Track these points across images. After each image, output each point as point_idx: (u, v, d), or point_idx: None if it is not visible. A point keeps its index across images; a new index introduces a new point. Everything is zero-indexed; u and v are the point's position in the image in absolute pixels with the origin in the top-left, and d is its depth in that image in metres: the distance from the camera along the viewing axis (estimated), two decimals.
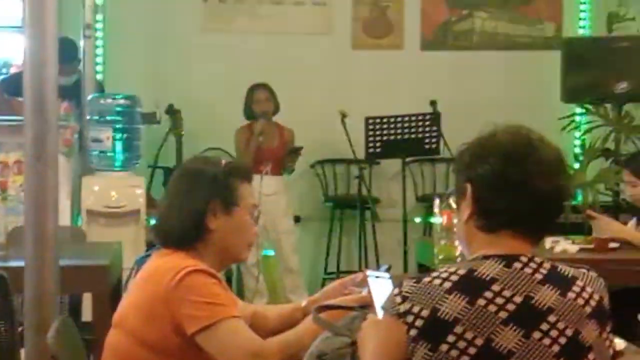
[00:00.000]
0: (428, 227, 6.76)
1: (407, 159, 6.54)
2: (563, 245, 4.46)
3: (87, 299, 4.48)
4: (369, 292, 2.10)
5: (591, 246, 4.54)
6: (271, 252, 6.50)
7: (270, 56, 7.11)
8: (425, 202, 7.00)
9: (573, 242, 4.53)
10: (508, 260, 1.79)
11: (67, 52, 5.88)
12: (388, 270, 2.46)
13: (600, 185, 6.25)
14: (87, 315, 4.44)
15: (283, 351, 2.30)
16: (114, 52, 6.98)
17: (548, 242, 4.30)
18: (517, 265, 1.79)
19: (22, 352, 3.41)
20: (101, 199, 5.92)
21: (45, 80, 3.14)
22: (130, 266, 3.61)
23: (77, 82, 6.36)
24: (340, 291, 2.56)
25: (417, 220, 6.93)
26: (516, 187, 1.81)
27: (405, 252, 6.17)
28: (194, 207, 2.43)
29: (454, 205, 1.96)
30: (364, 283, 2.47)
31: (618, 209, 5.97)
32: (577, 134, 7.00)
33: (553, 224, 1.87)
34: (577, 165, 6.19)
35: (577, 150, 6.80)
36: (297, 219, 6.84)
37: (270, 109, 6.58)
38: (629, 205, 5.52)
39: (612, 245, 4.54)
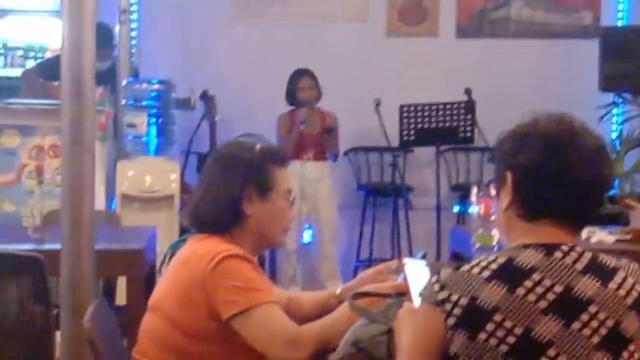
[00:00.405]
0: (462, 216, 6.74)
1: (441, 148, 6.51)
2: (599, 235, 4.41)
3: (120, 283, 4.50)
4: (405, 280, 2.08)
5: (628, 237, 4.49)
6: (308, 239, 6.52)
7: (304, 43, 7.09)
8: (459, 191, 6.98)
9: (610, 233, 4.49)
10: (548, 249, 1.77)
11: (103, 37, 5.88)
12: (424, 257, 2.44)
13: (637, 176, 6.19)
14: (120, 298, 4.46)
15: (319, 338, 2.29)
16: (149, 37, 6.99)
17: (584, 232, 4.25)
18: (558, 254, 1.77)
19: (58, 334, 3.43)
20: (135, 184, 5.95)
21: (83, 65, 3.14)
22: (164, 251, 3.62)
23: (112, 68, 6.38)
24: (376, 278, 2.56)
25: (455, 209, 6.90)
26: (557, 175, 1.78)
27: (438, 240, 6.14)
28: (230, 192, 2.43)
29: (492, 194, 1.93)
30: (399, 270, 2.46)
31: None
32: (614, 124, 6.92)
33: (594, 213, 1.84)
34: (613, 156, 6.13)
35: (614, 140, 6.73)
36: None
37: (314, 97, 6.56)
38: None
39: None
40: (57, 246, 3.32)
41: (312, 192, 6.49)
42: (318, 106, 6.65)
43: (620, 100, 6.73)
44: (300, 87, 6.57)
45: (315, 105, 6.60)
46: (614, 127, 6.96)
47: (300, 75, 6.59)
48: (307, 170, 6.43)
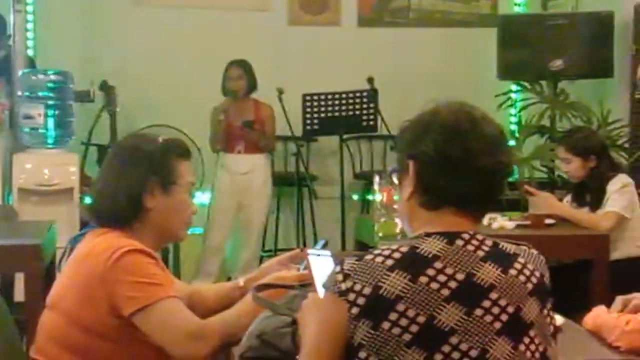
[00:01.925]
0: (366, 205, 6.78)
1: (345, 136, 6.53)
2: (500, 221, 4.50)
3: (19, 279, 4.39)
4: (309, 270, 2.07)
5: (527, 222, 4.58)
6: (199, 230, 6.46)
7: (206, 32, 7.02)
8: (363, 179, 7.02)
9: (510, 219, 4.57)
10: (450, 237, 1.78)
11: None
12: (326, 244, 2.44)
13: (535, 162, 6.32)
14: (19, 295, 4.35)
15: (222, 331, 2.26)
16: (46, 27, 6.82)
17: (485, 218, 4.32)
18: (460, 242, 1.78)
19: None
20: (33, 177, 5.80)
21: None
22: (63, 245, 3.54)
23: (7, 58, 6.20)
24: (278, 268, 2.54)
25: (355, 197, 6.94)
26: (458, 163, 1.79)
27: (343, 230, 6.16)
28: (131, 185, 2.38)
29: (395, 182, 1.93)
30: (301, 260, 2.45)
31: (553, 186, 6.05)
32: (513, 111, 7.05)
33: (495, 200, 1.86)
34: (512, 142, 6.25)
35: (513, 127, 6.86)
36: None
37: (242, 87, 6.44)
38: (564, 182, 5.60)
39: (548, 221, 4.59)
40: None
41: (244, 184, 6.43)
42: (255, 97, 6.53)
43: (518, 87, 6.86)
44: (228, 76, 6.46)
45: (244, 95, 6.46)
46: (512, 114, 7.09)
47: (230, 65, 6.47)
48: (237, 162, 6.38)
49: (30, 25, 6.68)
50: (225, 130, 6.40)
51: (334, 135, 6.49)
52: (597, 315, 2.57)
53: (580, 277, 4.35)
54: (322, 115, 6.36)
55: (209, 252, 6.52)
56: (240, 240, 6.64)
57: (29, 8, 6.67)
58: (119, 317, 2.26)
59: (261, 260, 6.67)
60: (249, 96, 6.50)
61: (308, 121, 6.35)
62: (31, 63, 6.49)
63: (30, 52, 6.63)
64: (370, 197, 6.55)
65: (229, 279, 6.44)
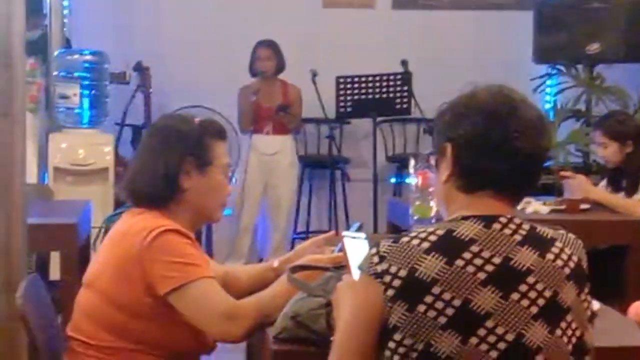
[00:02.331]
0: (399, 188, 6.76)
1: (378, 119, 6.51)
2: (534, 206, 4.47)
3: (54, 257, 4.43)
4: (344, 252, 2.08)
5: (562, 207, 4.55)
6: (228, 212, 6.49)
7: (240, 14, 7.02)
8: (396, 162, 7.00)
9: (544, 204, 4.54)
10: (487, 220, 1.77)
11: (32, 4, 5.77)
12: (360, 228, 2.44)
13: (570, 146, 6.27)
14: (54, 273, 4.40)
15: (257, 312, 2.27)
16: (81, 7, 6.85)
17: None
18: (497, 226, 1.77)
19: None
20: (68, 157, 5.86)
21: (12, 35, 3.05)
22: (98, 225, 3.57)
23: (43, 38, 6.24)
24: (313, 250, 2.55)
25: (392, 180, 6.92)
26: (497, 147, 1.78)
27: (375, 212, 6.16)
28: (167, 165, 2.39)
29: (432, 165, 1.92)
30: (336, 242, 2.45)
31: (588, 170, 6.00)
32: (548, 94, 6.99)
33: (533, 185, 1.85)
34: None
35: (548, 111, 6.80)
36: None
37: (271, 68, 6.46)
38: (599, 167, 5.55)
39: (583, 206, 4.56)
40: None
41: (271, 165, 6.46)
42: (282, 78, 6.55)
43: (554, 71, 6.80)
44: (257, 57, 6.48)
45: (273, 76, 6.49)
46: (548, 97, 7.03)
47: (258, 45, 6.49)
48: (266, 143, 6.40)
49: (66, 5, 6.70)
50: (254, 111, 6.42)
51: (367, 118, 6.47)
52: None
53: (614, 263, 4.32)
54: (356, 97, 6.34)
55: (239, 234, 6.56)
56: (270, 222, 6.66)
57: None
58: (154, 296, 2.28)
59: (293, 242, 6.70)
60: (277, 77, 6.51)
61: (341, 103, 6.34)
62: (67, 43, 6.53)
63: (66, 32, 6.66)
64: (403, 180, 6.55)
65: (260, 260, 6.48)
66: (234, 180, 6.39)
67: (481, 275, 1.71)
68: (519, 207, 4.23)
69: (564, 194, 4.67)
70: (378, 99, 6.34)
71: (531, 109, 1.83)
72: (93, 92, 6.01)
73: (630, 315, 2.55)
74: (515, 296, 1.72)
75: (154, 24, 6.99)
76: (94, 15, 6.88)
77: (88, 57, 6.07)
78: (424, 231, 1.77)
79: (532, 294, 1.73)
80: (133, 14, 6.99)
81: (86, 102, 6.00)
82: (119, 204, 4.03)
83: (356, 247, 2.04)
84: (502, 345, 1.70)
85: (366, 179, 6.46)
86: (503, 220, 1.78)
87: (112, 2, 6.98)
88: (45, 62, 6.14)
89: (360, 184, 6.68)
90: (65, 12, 6.67)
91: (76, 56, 6.10)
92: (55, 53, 6.14)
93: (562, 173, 4.80)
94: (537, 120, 1.82)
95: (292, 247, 6.52)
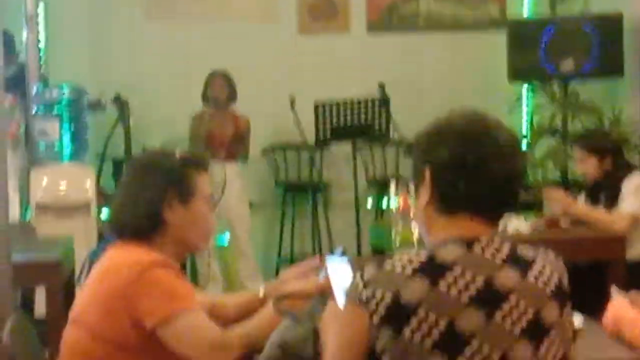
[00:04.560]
0: (380, 211, 6.79)
1: (357, 143, 6.53)
2: (515, 223, 4.51)
3: (39, 294, 4.42)
4: (327, 277, 2.09)
5: (542, 224, 4.59)
6: (224, 242, 6.52)
7: (217, 44, 7.06)
8: (376, 186, 7.03)
9: (525, 219, 4.58)
10: (468, 242, 1.80)
11: (4, 44, 5.79)
12: (344, 253, 2.45)
13: (548, 163, 6.32)
14: (40, 310, 4.39)
15: (244, 341, 2.28)
16: (58, 42, 6.87)
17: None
18: (477, 247, 1.80)
19: None
20: (50, 192, 5.84)
21: None
22: (82, 259, 3.57)
23: (19, 74, 6.24)
24: (297, 277, 2.56)
25: (369, 205, 6.94)
26: (473, 169, 1.82)
27: (358, 236, 6.17)
28: (150, 198, 2.40)
29: (411, 190, 1.95)
30: (321, 268, 2.46)
31: (566, 187, 6.05)
32: (525, 113, 7.06)
33: (512, 205, 1.88)
34: (525, 144, 6.25)
35: (525, 129, 6.86)
36: (249, 205, 6.84)
37: (223, 96, 6.57)
38: (576, 182, 5.60)
39: (563, 223, 4.60)
40: None
41: (224, 192, 6.50)
42: (232, 108, 6.64)
43: (529, 90, 6.86)
44: (211, 85, 6.58)
45: (226, 105, 6.59)
46: (524, 116, 7.09)
47: (212, 75, 6.60)
48: (217, 170, 6.43)
49: (42, 41, 6.72)
50: (207, 139, 6.48)
51: (346, 142, 6.50)
52: (619, 308, 2.58)
53: (594, 278, 4.35)
54: (335, 123, 6.35)
55: (205, 259, 6.56)
56: (233, 249, 6.68)
57: (41, 24, 6.70)
58: (142, 329, 2.28)
59: (278, 266, 6.71)
60: (228, 106, 6.57)
61: (320, 129, 6.36)
62: (44, 79, 6.54)
63: (43, 68, 6.67)
64: (384, 203, 6.58)
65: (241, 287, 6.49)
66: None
67: (464, 297, 1.74)
68: (500, 226, 4.28)
69: (543, 210, 4.71)
70: (357, 124, 6.36)
71: (505, 132, 1.86)
72: (72, 126, 6.02)
73: (606, 318, 2.58)
74: (498, 316, 1.75)
75: (131, 57, 7.01)
76: (71, 49, 6.89)
77: (66, 93, 6.08)
78: (406, 256, 1.79)
79: (515, 314, 1.76)
80: (109, 47, 7.01)
81: (66, 137, 6.00)
82: (101, 238, 4.04)
83: (340, 272, 2.06)
84: None
85: (348, 203, 6.48)
86: (483, 241, 1.81)
87: (88, 36, 6.99)
88: (24, 99, 6.14)
89: (342, 208, 6.71)
90: (41, 46, 6.68)
91: (54, 92, 6.11)
92: (34, 89, 6.14)
93: (547, 190, 4.83)
94: (511, 143, 1.86)
95: (277, 272, 6.54)
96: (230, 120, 6.64)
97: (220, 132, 6.56)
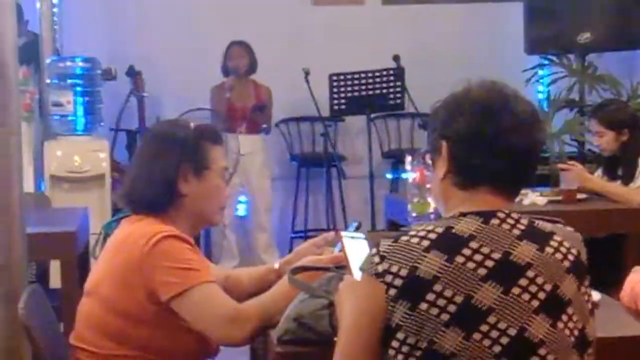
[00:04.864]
0: (395, 183, 6.77)
1: (372, 115, 6.52)
2: (531, 197, 4.48)
3: (54, 265, 4.43)
4: (343, 252, 2.08)
5: (559, 198, 4.56)
6: (244, 213, 6.55)
7: (230, 14, 7.02)
8: (391, 158, 7.01)
9: (541, 194, 4.55)
10: (485, 216, 1.78)
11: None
12: (358, 227, 2.44)
13: (565, 136, 6.28)
14: (54, 281, 4.40)
15: (259, 315, 2.28)
16: (72, 13, 6.85)
17: None
18: (495, 221, 1.78)
19: None
20: (64, 164, 5.85)
21: (4, 45, 3.06)
22: (97, 232, 3.57)
23: (33, 45, 6.24)
24: (313, 251, 2.55)
25: (388, 176, 6.93)
26: (491, 142, 1.79)
27: (372, 209, 6.16)
28: (165, 171, 2.40)
29: (428, 163, 1.93)
30: (336, 242, 2.45)
31: (583, 160, 6.01)
32: (541, 85, 7.00)
33: (530, 179, 1.86)
34: (542, 118, 6.21)
35: (542, 101, 6.81)
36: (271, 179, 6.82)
37: (243, 66, 6.54)
38: (594, 156, 5.56)
39: (580, 196, 4.57)
40: None
41: (245, 165, 6.48)
42: (252, 79, 6.60)
43: (546, 62, 6.81)
44: (229, 56, 6.54)
45: (246, 75, 6.56)
46: (541, 88, 7.04)
47: (231, 45, 6.57)
48: (239, 142, 6.42)
49: (56, 13, 6.70)
50: (227, 111, 6.46)
51: (361, 114, 6.48)
52: (637, 282, 2.56)
53: (612, 252, 4.33)
54: (349, 94, 6.35)
55: (222, 233, 6.57)
56: (252, 223, 6.68)
57: None
58: (156, 302, 2.28)
59: (292, 241, 6.71)
60: (249, 77, 6.54)
61: (335, 101, 6.35)
62: (58, 50, 6.53)
63: (56, 39, 6.66)
64: (399, 175, 6.56)
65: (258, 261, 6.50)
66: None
67: (481, 271, 1.72)
68: (516, 199, 4.25)
69: (560, 184, 4.68)
70: (371, 95, 6.35)
71: (524, 103, 1.83)
72: (86, 98, 6.01)
73: (624, 292, 2.56)
74: (516, 291, 1.73)
75: (145, 28, 6.98)
76: (84, 20, 6.88)
77: (80, 64, 6.07)
78: (423, 229, 1.78)
79: (533, 288, 1.74)
80: (123, 18, 6.99)
81: (80, 109, 5.99)
82: (116, 210, 4.03)
83: (355, 247, 2.05)
84: (504, 340, 1.70)
85: (362, 176, 6.47)
86: (501, 215, 1.79)
87: (101, 7, 6.97)
88: (38, 70, 6.13)
89: (356, 181, 6.69)
90: (55, 18, 6.67)
91: (68, 63, 6.10)
92: (47, 61, 6.13)
93: (560, 165, 4.80)
94: (530, 115, 1.83)
95: (291, 246, 6.55)
96: (251, 91, 6.60)
97: (242, 104, 6.52)
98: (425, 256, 1.72)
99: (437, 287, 1.70)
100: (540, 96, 6.99)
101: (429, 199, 2.87)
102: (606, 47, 6.55)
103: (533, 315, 1.73)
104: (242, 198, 6.71)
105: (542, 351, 1.72)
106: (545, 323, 1.74)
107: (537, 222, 1.82)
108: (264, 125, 6.62)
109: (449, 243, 1.74)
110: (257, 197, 6.63)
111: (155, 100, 6.67)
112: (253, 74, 6.62)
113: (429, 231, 1.76)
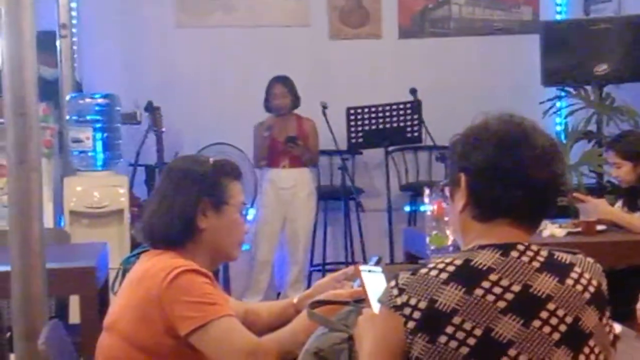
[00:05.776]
0: (413, 216, 6.76)
1: (390, 148, 6.53)
2: (550, 229, 4.46)
3: (73, 300, 4.44)
4: (362, 286, 2.08)
5: (578, 229, 4.54)
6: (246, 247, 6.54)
7: (248, 50, 7.07)
8: (409, 191, 7.00)
9: (560, 226, 4.53)
10: (504, 249, 1.78)
11: (44, 43, 5.83)
12: (379, 262, 2.44)
13: (583, 168, 6.26)
14: (74, 316, 4.41)
15: (278, 349, 2.27)
16: (90, 51, 6.92)
17: None
18: (514, 253, 1.77)
19: (12, 358, 3.37)
20: (84, 200, 5.88)
21: (25, 83, 3.09)
22: (116, 266, 3.58)
23: (54, 82, 6.30)
24: (332, 285, 2.55)
25: (406, 209, 6.92)
26: (510, 175, 1.79)
27: (391, 242, 6.15)
28: (184, 206, 2.41)
29: (446, 195, 1.93)
30: (355, 276, 2.45)
31: (602, 191, 5.99)
32: (559, 117, 7.00)
33: (549, 211, 1.85)
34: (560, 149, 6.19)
35: (560, 133, 6.80)
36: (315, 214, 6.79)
37: (285, 104, 6.52)
38: (613, 187, 5.54)
39: (600, 227, 4.55)
40: (6, 268, 3.26)
41: (289, 199, 6.49)
42: (297, 112, 6.60)
43: (563, 93, 6.81)
44: (273, 94, 6.54)
45: (288, 111, 6.55)
46: (558, 120, 7.04)
47: (273, 81, 6.55)
48: (282, 177, 6.43)
49: (75, 49, 6.77)
50: (270, 146, 6.47)
51: (378, 147, 6.49)
52: None
53: (632, 283, 4.30)
54: (367, 128, 6.37)
55: (257, 268, 6.57)
56: (288, 256, 6.67)
57: (74, 32, 6.74)
58: (176, 337, 2.28)
59: (310, 275, 6.69)
60: (292, 112, 6.56)
61: (353, 134, 6.36)
62: (78, 87, 6.59)
63: (76, 76, 6.72)
64: (417, 208, 6.56)
65: (278, 295, 6.48)
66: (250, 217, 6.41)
67: (501, 304, 1.71)
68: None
69: (579, 215, 4.66)
70: (389, 129, 6.36)
71: (542, 136, 1.83)
72: (105, 134, 6.06)
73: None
74: (536, 323, 1.72)
75: (163, 64, 7.04)
76: (104, 57, 6.94)
77: (99, 100, 6.12)
78: (441, 262, 1.77)
79: (554, 321, 1.73)
80: (142, 54, 7.05)
81: (99, 145, 6.04)
82: (135, 245, 4.05)
83: (374, 281, 2.05)
84: None
85: (380, 209, 6.47)
86: (520, 247, 1.79)
87: (120, 43, 7.03)
88: (58, 107, 6.19)
89: (374, 214, 6.69)
90: (75, 55, 6.73)
91: (88, 100, 6.15)
92: (67, 97, 6.19)
93: (576, 195, 4.79)
94: (549, 148, 1.83)
95: (309, 280, 6.53)
96: (294, 125, 6.60)
97: (284, 138, 6.50)
98: (444, 288, 1.72)
99: (456, 320, 1.70)
100: (558, 128, 6.99)
101: (448, 232, 2.87)
102: (623, 79, 6.53)
103: (554, 348, 1.72)
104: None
105: None
106: (567, 356, 1.72)
107: (556, 254, 1.81)
108: (305, 157, 6.57)
109: (467, 275, 1.74)
110: (299, 230, 6.59)
111: (174, 134, 6.70)
112: (296, 109, 6.59)
113: (447, 264, 1.76)
